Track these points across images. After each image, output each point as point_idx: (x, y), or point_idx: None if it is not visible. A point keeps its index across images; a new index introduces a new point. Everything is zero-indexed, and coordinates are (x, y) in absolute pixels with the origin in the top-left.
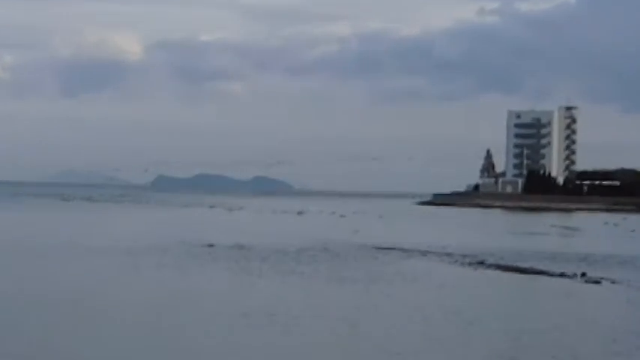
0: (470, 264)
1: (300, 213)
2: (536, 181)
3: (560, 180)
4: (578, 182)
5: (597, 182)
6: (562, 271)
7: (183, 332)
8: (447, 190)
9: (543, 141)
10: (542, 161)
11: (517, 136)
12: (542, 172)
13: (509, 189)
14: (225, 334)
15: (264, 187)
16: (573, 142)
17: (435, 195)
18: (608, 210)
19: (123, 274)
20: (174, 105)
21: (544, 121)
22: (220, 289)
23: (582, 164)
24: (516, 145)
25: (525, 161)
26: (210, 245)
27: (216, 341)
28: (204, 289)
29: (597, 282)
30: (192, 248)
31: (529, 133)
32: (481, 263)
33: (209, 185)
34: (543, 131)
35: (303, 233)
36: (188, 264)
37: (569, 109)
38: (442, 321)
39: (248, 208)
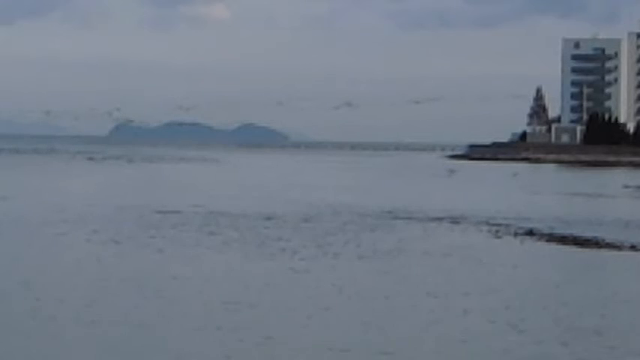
0: (516, 234)
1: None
2: (600, 128)
3: (631, 127)
4: None
5: None
6: (634, 243)
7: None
8: (486, 140)
9: (608, 77)
10: (608, 103)
11: (575, 71)
12: (607, 117)
13: (565, 138)
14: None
15: (252, 137)
16: None
17: (471, 146)
18: None
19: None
20: (138, 35)
21: (609, 51)
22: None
23: None
24: (574, 83)
25: (586, 103)
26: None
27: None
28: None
29: None
30: (156, 216)
31: (590, 68)
32: (530, 233)
33: (183, 136)
34: (608, 65)
35: (295, 196)
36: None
37: None
38: (481, 311)
39: (230, 163)
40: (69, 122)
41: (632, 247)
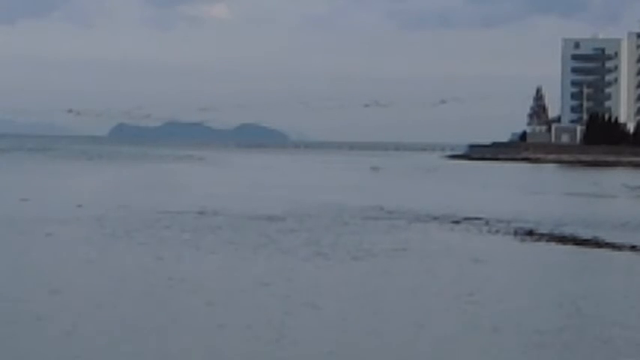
0: (516, 234)
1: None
2: (600, 128)
3: (631, 127)
4: None
5: None
6: (634, 243)
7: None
8: (485, 140)
9: (608, 77)
10: (608, 103)
11: (575, 71)
12: (607, 117)
13: (565, 138)
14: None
15: (252, 137)
16: None
17: (471, 147)
18: None
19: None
20: (137, 34)
21: (609, 51)
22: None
23: None
24: (574, 83)
25: (586, 103)
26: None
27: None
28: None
29: None
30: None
31: (590, 68)
32: (530, 233)
33: (183, 135)
34: (609, 65)
35: (293, 196)
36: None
37: None
38: (481, 311)
39: (229, 164)
40: (69, 121)
41: (632, 247)
